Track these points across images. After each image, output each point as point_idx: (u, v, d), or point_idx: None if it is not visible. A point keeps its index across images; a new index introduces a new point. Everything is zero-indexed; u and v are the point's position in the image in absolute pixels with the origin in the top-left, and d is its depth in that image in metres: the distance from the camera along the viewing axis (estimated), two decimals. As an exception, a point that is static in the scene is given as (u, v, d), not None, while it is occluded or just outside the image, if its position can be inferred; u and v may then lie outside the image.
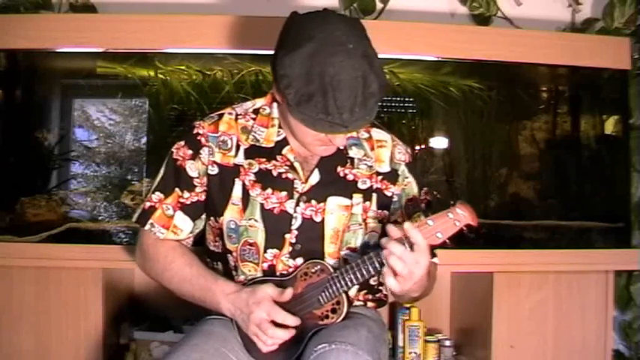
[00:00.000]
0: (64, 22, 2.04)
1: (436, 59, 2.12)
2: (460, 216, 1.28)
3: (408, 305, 2.11)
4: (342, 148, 1.47)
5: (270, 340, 1.36)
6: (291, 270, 1.44)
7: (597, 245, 2.17)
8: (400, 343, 2.11)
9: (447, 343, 2.12)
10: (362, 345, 1.30)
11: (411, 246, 1.27)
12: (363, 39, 1.34)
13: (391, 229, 1.30)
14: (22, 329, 1.92)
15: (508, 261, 2.02)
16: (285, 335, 1.36)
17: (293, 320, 1.37)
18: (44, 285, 1.92)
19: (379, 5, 2.32)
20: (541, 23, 2.35)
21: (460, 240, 1.32)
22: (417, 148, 2.20)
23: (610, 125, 2.29)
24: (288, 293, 1.38)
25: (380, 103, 1.34)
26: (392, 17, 2.29)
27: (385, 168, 1.54)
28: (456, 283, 2.25)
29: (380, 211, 1.52)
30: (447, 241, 1.30)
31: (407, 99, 2.19)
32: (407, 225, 1.27)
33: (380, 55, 1.36)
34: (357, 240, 1.49)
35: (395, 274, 1.28)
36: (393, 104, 2.18)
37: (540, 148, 2.25)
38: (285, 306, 1.38)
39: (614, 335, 2.30)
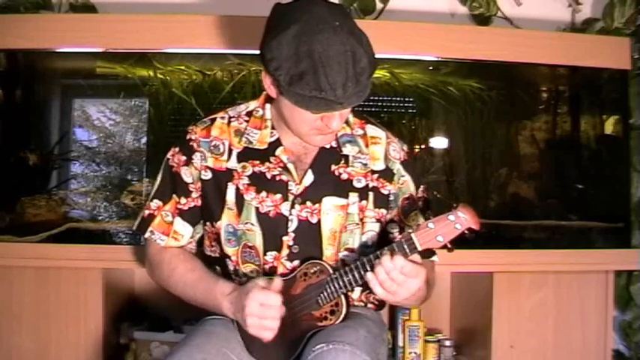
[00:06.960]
0: (64, 22, 2.04)
1: (436, 59, 2.12)
2: (462, 219, 1.25)
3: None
4: (335, 145, 1.48)
5: (269, 321, 1.31)
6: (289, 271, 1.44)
7: (597, 245, 2.17)
8: (400, 343, 2.11)
9: (447, 343, 2.12)
10: (360, 345, 1.29)
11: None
12: (348, 19, 1.32)
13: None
14: (21, 329, 1.92)
15: (508, 261, 2.01)
16: (281, 310, 1.31)
17: (278, 283, 1.32)
18: (44, 285, 1.92)
19: (379, 5, 2.32)
20: (541, 23, 2.35)
21: (460, 240, 1.30)
22: (417, 148, 2.20)
23: (610, 125, 2.29)
24: (277, 283, 1.33)
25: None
26: (392, 17, 2.28)
27: (380, 166, 1.51)
28: (456, 283, 2.25)
29: (377, 210, 1.50)
30: (449, 244, 1.27)
31: (407, 99, 2.19)
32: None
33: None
34: (354, 240, 1.48)
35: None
36: (393, 104, 2.18)
37: (540, 148, 2.25)
38: (284, 306, 1.35)
39: (614, 335, 2.29)
